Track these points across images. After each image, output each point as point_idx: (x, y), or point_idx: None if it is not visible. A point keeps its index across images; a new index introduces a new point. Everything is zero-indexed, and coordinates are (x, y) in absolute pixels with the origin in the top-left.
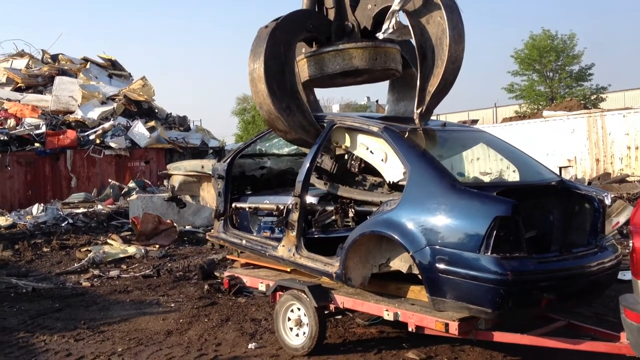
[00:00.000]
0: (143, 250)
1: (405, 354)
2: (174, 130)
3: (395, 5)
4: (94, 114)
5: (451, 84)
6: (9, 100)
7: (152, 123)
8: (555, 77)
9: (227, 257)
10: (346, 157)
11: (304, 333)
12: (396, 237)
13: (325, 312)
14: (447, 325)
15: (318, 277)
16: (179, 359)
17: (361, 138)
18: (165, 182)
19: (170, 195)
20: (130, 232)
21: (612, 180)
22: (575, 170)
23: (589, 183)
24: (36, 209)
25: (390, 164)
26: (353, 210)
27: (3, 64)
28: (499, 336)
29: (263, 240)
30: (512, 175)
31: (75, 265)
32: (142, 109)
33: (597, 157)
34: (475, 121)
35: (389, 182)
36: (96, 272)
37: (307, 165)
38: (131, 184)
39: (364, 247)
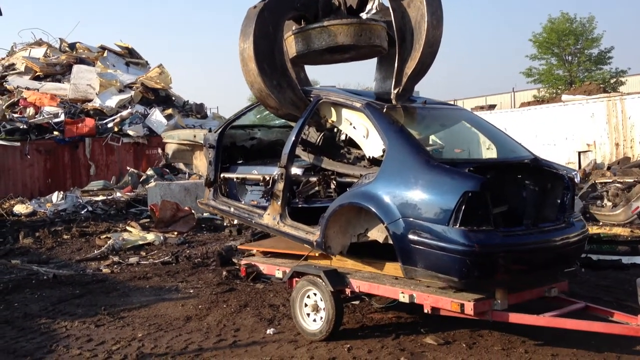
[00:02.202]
0: (162, 237)
1: (424, 339)
2: (191, 117)
3: None
4: (112, 102)
5: (428, 67)
6: (27, 89)
7: (170, 111)
8: (574, 60)
9: (239, 247)
10: (335, 130)
11: (321, 318)
12: (372, 208)
13: (342, 296)
14: (462, 305)
15: (314, 252)
16: (198, 344)
17: (345, 113)
18: (163, 151)
19: (164, 162)
20: (148, 220)
21: (632, 164)
22: (594, 154)
23: (609, 168)
24: (56, 196)
25: (371, 140)
26: (335, 182)
27: (22, 53)
28: (515, 317)
29: (250, 208)
30: (490, 153)
31: (95, 252)
32: (160, 97)
33: (616, 141)
34: (493, 106)
35: (369, 157)
36: (116, 258)
37: (293, 137)
38: (149, 172)
39: (344, 218)
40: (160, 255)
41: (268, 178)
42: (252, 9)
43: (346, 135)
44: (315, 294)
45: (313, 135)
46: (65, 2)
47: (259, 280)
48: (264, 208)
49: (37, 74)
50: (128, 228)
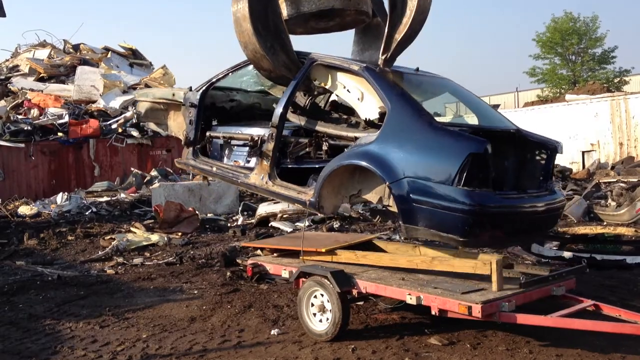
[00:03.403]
0: (166, 238)
1: (428, 339)
2: None
3: None
4: (116, 103)
5: (416, 34)
6: (32, 90)
7: None
8: (578, 60)
9: (243, 244)
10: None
11: (327, 319)
12: (375, 168)
13: (348, 297)
14: (470, 308)
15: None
16: (203, 345)
17: (340, 77)
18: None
19: (136, 120)
20: (153, 220)
21: (636, 164)
22: (598, 154)
23: (613, 167)
24: (60, 198)
25: (366, 102)
26: (327, 144)
27: (26, 55)
28: (523, 318)
29: (234, 168)
30: (476, 120)
31: (100, 253)
32: None
33: (620, 140)
34: (496, 106)
35: (365, 119)
36: (120, 259)
37: (286, 98)
38: (153, 173)
39: (338, 178)
40: (164, 256)
41: (257, 138)
42: None
43: (331, 102)
44: (322, 295)
45: (301, 99)
46: (69, 4)
47: (263, 281)
48: (250, 169)
49: (41, 75)
50: (132, 229)
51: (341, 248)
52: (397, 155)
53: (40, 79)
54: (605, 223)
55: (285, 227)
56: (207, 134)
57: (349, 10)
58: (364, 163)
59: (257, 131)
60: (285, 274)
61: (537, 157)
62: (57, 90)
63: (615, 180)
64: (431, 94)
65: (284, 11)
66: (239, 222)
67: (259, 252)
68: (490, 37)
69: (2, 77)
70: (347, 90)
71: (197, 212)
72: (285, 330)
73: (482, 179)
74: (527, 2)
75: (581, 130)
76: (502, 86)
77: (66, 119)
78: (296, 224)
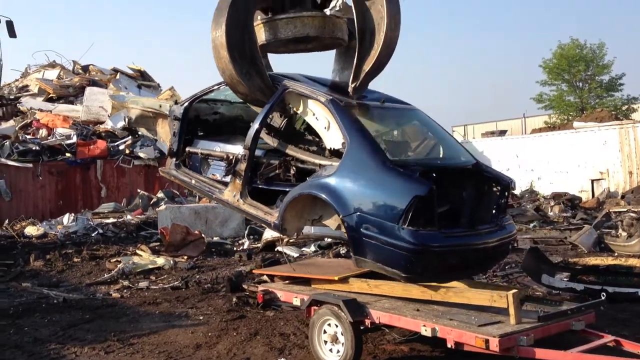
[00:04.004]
0: (172, 262)
1: None
2: None
3: None
4: (124, 124)
5: (384, 65)
6: (41, 110)
7: None
8: (585, 87)
9: (254, 271)
10: (298, 116)
11: (339, 350)
12: (330, 201)
13: (361, 327)
14: (487, 341)
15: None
16: None
17: (310, 104)
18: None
19: (126, 125)
20: (159, 243)
21: None
22: (607, 182)
23: (623, 196)
24: (67, 218)
25: (331, 132)
26: (295, 168)
27: (35, 75)
28: (542, 353)
29: (211, 182)
30: (438, 153)
31: (105, 275)
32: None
33: (629, 169)
34: (503, 132)
35: (329, 148)
36: (126, 283)
37: (258, 122)
38: (160, 194)
39: (301, 204)
40: (170, 280)
41: (232, 157)
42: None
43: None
44: (335, 325)
45: (277, 120)
46: (80, 25)
47: (270, 308)
48: (225, 184)
49: (50, 95)
50: (138, 252)
51: (354, 276)
52: (351, 190)
53: (49, 100)
54: (616, 254)
55: (292, 252)
56: (187, 149)
57: (324, 37)
58: (322, 195)
59: (232, 149)
60: (296, 302)
61: (493, 192)
62: (65, 111)
63: (625, 209)
64: (396, 125)
65: (263, 36)
66: (245, 246)
67: (265, 277)
68: (496, 62)
69: (12, 97)
70: (316, 118)
71: (203, 235)
72: (292, 359)
73: (427, 219)
74: (532, 28)
75: (590, 159)
76: (509, 112)
77: (74, 139)
78: (302, 249)
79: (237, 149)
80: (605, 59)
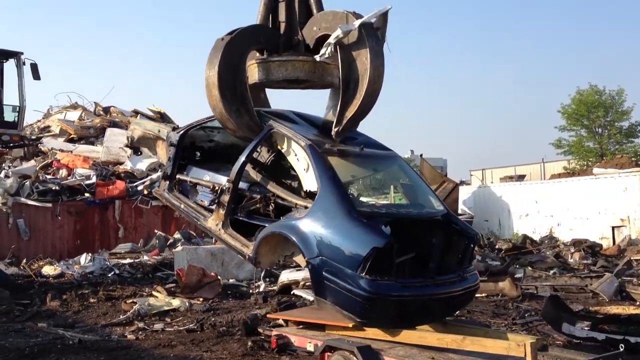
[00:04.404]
0: (187, 303)
1: None
2: None
3: (331, 39)
4: (143, 165)
5: (367, 113)
6: (61, 150)
7: None
8: (605, 133)
9: (268, 316)
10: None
11: None
12: (297, 243)
13: None
14: None
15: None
16: None
17: (293, 145)
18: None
19: (129, 144)
20: (174, 284)
21: None
22: (629, 230)
23: None
24: (84, 258)
25: (309, 175)
26: (273, 204)
27: (57, 116)
28: None
29: (198, 209)
30: (409, 202)
31: (121, 317)
32: None
33: None
34: (522, 177)
35: (306, 190)
36: (141, 324)
37: (244, 158)
38: (177, 235)
39: (275, 240)
40: (185, 322)
41: (217, 187)
42: (220, 40)
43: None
44: None
45: (264, 155)
46: (102, 68)
47: (285, 353)
48: (211, 211)
49: (72, 136)
50: (154, 293)
51: None
52: (317, 235)
53: (71, 140)
54: (638, 303)
55: (308, 296)
56: (177, 176)
57: (314, 80)
58: (291, 237)
59: (220, 179)
60: (310, 347)
61: (459, 243)
62: (86, 152)
63: None
64: (373, 171)
65: (256, 75)
66: (261, 289)
67: (281, 321)
68: (515, 107)
69: (34, 137)
70: (297, 158)
71: (219, 277)
72: None
73: (385, 269)
74: (550, 73)
75: (610, 205)
76: (528, 156)
77: (93, 179)
78: None
79: (224, 180)
80: (624, 105)
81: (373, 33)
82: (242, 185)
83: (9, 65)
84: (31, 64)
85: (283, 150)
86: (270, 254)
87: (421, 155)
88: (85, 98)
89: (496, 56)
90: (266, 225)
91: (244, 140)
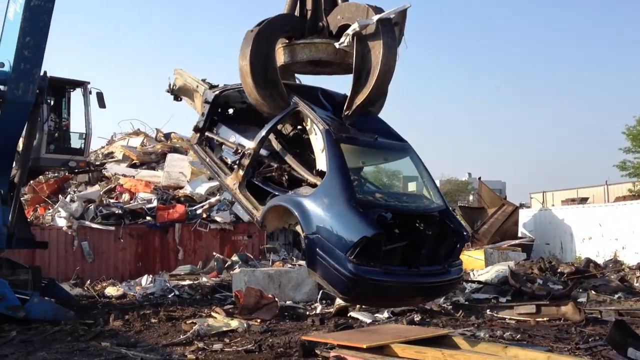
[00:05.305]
0: (245, 324)
1: None
2: None
3: (349, 30)
4: (202, 189)
5: (374, 102)
6: (124, 176)
7: None
8: None
9: (302, 337)
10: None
11: None
12: (299, 218)
13: None
14: None
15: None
16: None
17: (313, 125)
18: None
19: (170, 90)
20: (233, 306)
21: None
22: None
23: None
24: (145, 280)
25: (323, 156)
26: (287, 175)
27: (120, 142)
28: None
29: (221, 165)
30: (411, 195)
31: (181, 337)
32: None
33: None
34: (585, 199)
35: (318, 169)
36: (201, 345)
37: (267, 128)
38: (234, 258)
39: (282, 210)
40: (243, 343)
41: (240, 150)
42: (250, 32)
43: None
44: None
45: (288, 128)
46: (163, 96)
47: None
48: (232, 169)
49: (134, 162)
50: (213, 314)
51: (412, 343)
52: (317, 215)
53: (133, 166)
54: None
55: (365, 318)
56: (206, 134)
57: (336, 62)
58: (295, 212)
59: (243, 142)
60: None
61: (450, 239)
62: (147, 176)
63: None
64: (383, 159)
65: (283, 58)
66: (318, 311)
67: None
68: (578, 130)
69: (98, 163)
70: (317, 138)
71: (276, 299)
72: None
73: (373, 255)
74: (614, 94)
75: None
76: (591, 179)
77: (155, 203)
78: (375, 315)
79: (247, 143)
80: None
81: (390, 28)
82: (263, 152)
83: (76, 94)
84: (97, 93)
85: (307, 127)
86: (276, 221)
87: (479, 178)
88: (147, 125)
89: (557, 77)
90: (277, 193)
91: None
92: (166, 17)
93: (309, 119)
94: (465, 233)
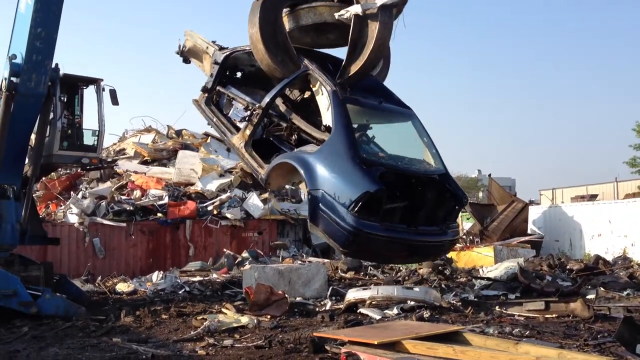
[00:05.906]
0: (255, 320)
1: None
2: (286, 201)
3: (352, 9)
4: (213, 185)
5: (366, 74)
6: (136, 172)
7: (266, 195)
8: None
9: (314, 334)
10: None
11: None
12: (304, 175)
13: None
14: None
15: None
16: None
17: (320, 86)
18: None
19: (179, 51)
20: (243, 302)
21: None
22: None
23: None
24: (156, 276)
25: (329, 114)
26: (296, 135)
27: (132, 139)
28: None
29: (227, 124)
30: (412, 158)
31: (192, 333)
32: (257, 181)
33: None
34: (594, 196)
35: (325, 125)
36: (211, 340)
37: (277, 89)
38: (245, 254)
39: (286, 167)
40: (253, 339)
41: (250, 107)
42: (256, 1)
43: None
44: None
45: (296, 92)
46: (174, 93)
47: None
48: (238, 129)
49: (145, 158)
50: (223, 310)
51: (424, 339)
52: (321, 172)
53: (144, 162)
54: None
55: (374, 314)
56: (217, 88)
57: (341, 27)
58: (299, 169)
59: (254, 100)
60: None
61: (448, 202)
62: (159, 173)
63: None
64: (387, 124)
65: (287, 25)
66: (328, 307)
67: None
68: (587, 126)
69: (109, 159)
70: (323, 97)
71: (286, 295)
72: None
73: (374, 211)
74: (623, 90)
75: None
76: (600, 176)
77: (166, 200)
78: (385, 311)
79: (257, 102)
80: None
81: (388, 8)
82: (272, 112)
83: (89, 91)
84: (110, 90)
85: (314, 89)
86: (280, 179)
87: (489, 174)
88: (159, 121)
89: (567, 74)
90: (286, 150)
91: None
92: (181, 13)
93: (317, 82)
94: (464, 197)
